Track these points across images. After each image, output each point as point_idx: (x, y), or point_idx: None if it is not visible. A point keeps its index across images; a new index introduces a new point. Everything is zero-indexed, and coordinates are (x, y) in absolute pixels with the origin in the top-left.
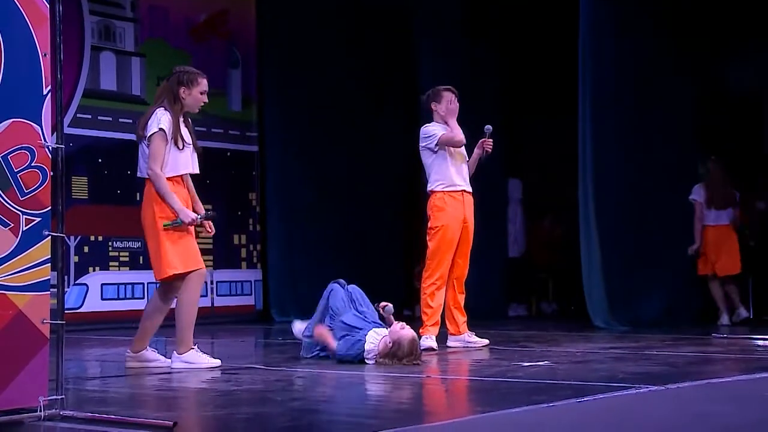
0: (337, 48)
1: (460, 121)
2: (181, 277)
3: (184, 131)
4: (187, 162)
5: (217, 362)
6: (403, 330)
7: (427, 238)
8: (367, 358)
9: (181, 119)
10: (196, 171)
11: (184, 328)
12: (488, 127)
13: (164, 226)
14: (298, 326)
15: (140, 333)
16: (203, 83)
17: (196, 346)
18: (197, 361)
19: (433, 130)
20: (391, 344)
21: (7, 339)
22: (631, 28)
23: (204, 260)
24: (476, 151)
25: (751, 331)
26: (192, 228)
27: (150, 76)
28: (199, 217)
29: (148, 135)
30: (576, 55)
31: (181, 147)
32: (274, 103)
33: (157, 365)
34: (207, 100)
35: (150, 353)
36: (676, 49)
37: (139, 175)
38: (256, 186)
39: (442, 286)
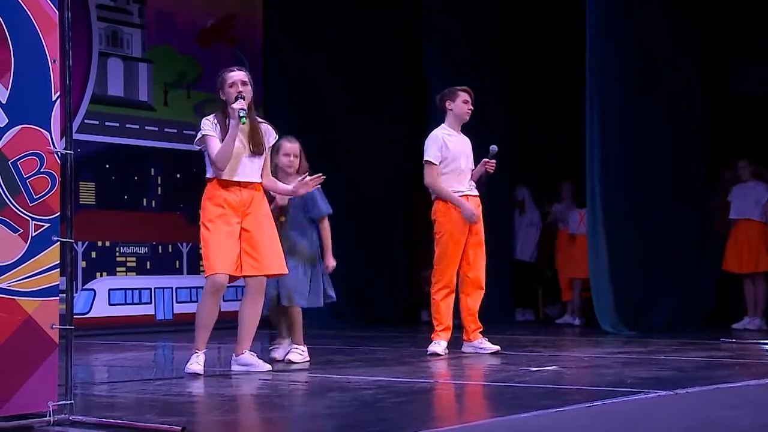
0: (344, 53)
1: (468, 126)
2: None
3: (236, 135)
4: (234, 168)
5: (199, 370)
6: None
7: (434, 245)
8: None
9: (241, 124)
10: (247, 179)
11: (195, 328)
12: (493, 148)
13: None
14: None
15: (239, 334)
16: (230, 77)
17: (198, 352)
18: (188, 367)
19: (428, 145)
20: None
21: (17, 344)
22: (638, 32)
23: None
24: (479, 168)
25: (759, 336)
26: (230, 233)
27: (157, 82)
28: (240, 110)
29: (195, 142)
30: (584, 56)
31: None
32: (281, 108)
33: (259, 369)
34: (241, 89)
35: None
36: (685, 52)
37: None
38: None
39: (450, 291)
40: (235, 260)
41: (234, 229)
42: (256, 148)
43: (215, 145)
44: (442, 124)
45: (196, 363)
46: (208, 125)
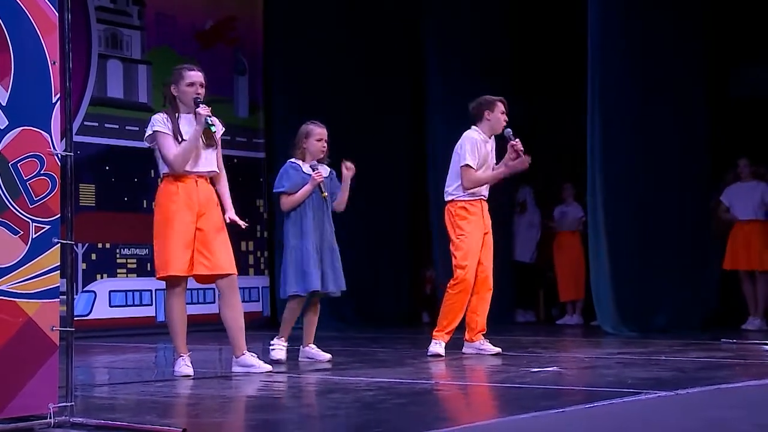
0: (344, 53)
1: (470, 126)
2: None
3: (187, 129)
4: (194, 160)
5: (189, 372)
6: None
7: (452, 248)
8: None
9: (189, 117)
10: (212, 169)
11: (170, 334)
12: (509, 131)
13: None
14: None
15: (229, 338)
16: (189, 75)
17: (184, 356)
18: (177, 371)
19: (468, 148)
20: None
21: (18, 346)
22: (641, 33)
23: None
24: (511, 158)
25: (760, 336)
26: (186, 231)
27: (156, 84)
28: (207, 116)
29: (144, 139)
30: (586, 56)
31: (179, 143)
32: (281, 110)
33: (255, 371)
34: (200, 91)
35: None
36: (688, 54)
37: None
38: (263, 192)
39: (465, 294)
40: (189, 260)
41: (189, 229)
42: (209, 141)
43: (170, 144)
44: (477, 127)
45: (185, 366)
46: (161, 122)
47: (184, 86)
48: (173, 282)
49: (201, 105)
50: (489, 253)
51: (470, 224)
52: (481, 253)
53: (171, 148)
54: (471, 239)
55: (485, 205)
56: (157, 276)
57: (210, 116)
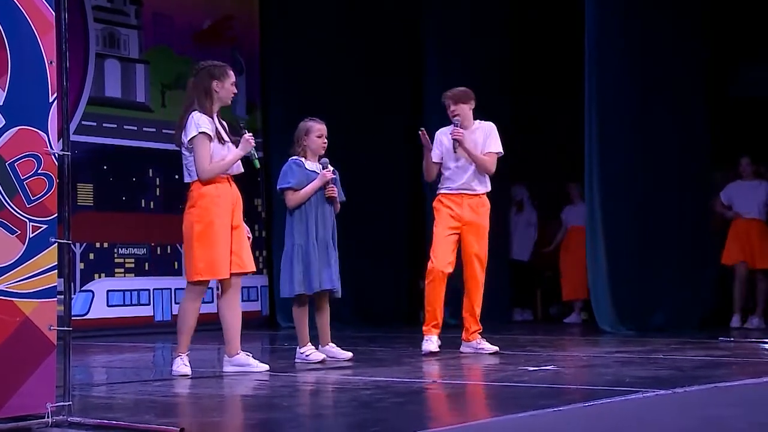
0: (342, 53)
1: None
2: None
3: (221, 128)
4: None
5: (187, 371)
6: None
7: None
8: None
9: (216, 116)
10: (241, 170)
11: (178, 332)
12: (457, 119)
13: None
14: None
15: (225, 336)
16: (232, 74)
17: (182, 355)
18: (175, 370)
19: (435, 140)
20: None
21: (15, 346)
22: (639, 31)
23: None
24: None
25: (758, 335)
26: (228, 233)
27: (154, 83)
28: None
29: (188, 139)
30: (583, 54)
31: (222, 144)
32: (279, 109)
33: (250, 370)
34: (237, 91)
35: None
36: (687, 53)
37: (185, 180)
38: (261, 192)
39: (436, 284)
40: (231, 261)
41: (228, 230)
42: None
43: (208, 153)
44: (449, 125)
45: (184, 365)
46: (208, 124)
47: (229, 85)
48: (201, 283)
49: (248, 132)
50: (475, 248)
51: (438, 215)
52: (466, 249)
53: (207, 157)
54: (436, 230)
55: (467, 199)
56: (200, 278)
57: (253, 146)
